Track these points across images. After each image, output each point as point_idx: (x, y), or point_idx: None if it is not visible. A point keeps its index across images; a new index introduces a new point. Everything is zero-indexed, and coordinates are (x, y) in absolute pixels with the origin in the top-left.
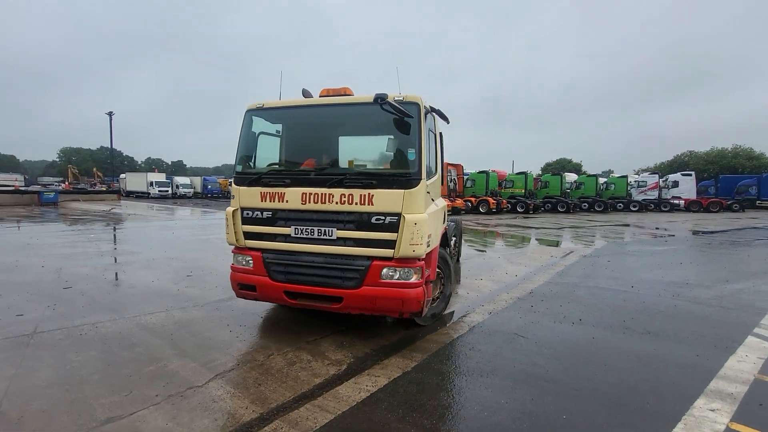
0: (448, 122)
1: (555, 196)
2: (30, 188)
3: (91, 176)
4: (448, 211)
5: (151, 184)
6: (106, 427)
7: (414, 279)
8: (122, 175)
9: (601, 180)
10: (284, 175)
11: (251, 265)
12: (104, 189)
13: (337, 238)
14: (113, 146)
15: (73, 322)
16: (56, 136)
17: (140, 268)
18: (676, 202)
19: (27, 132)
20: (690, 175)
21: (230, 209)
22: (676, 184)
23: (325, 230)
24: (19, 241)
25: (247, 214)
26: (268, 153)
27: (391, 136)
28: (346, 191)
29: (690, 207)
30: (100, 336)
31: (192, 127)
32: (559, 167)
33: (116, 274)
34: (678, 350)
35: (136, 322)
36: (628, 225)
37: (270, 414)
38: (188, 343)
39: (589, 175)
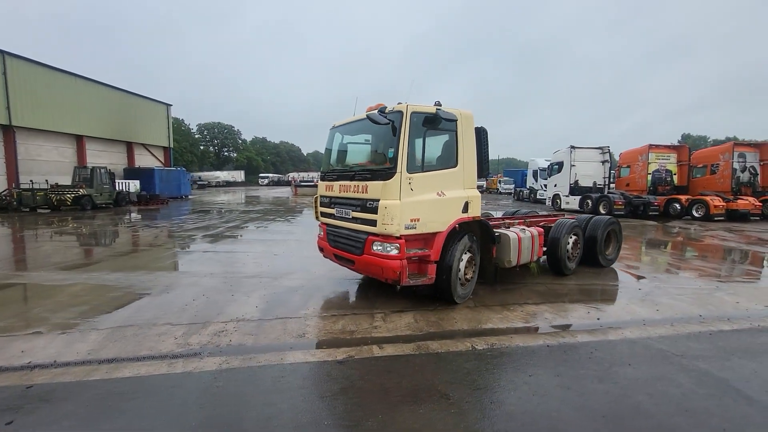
0: (454, 120)
1: None
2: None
3: None
4: (719, 214)
5: None
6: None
7: (393, 252)
8: None
9: None
10: (334, 173)
11: (322, 234)
12: None
13: (352, 217)
14: None
15: (252, 274)
16: None
17: None
18: None
19: None
20: None
21: (315, 196)
22: None
23: (346, 211)
24: (294, 219)
25: (321, 199)
26: (350, 156)
27: (385, 140)
28: (356, 183)
29: None
30: (237, 282)
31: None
32: None
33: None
34: None
35: (281, 284)
36: None
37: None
38: (249, 297)
39: None
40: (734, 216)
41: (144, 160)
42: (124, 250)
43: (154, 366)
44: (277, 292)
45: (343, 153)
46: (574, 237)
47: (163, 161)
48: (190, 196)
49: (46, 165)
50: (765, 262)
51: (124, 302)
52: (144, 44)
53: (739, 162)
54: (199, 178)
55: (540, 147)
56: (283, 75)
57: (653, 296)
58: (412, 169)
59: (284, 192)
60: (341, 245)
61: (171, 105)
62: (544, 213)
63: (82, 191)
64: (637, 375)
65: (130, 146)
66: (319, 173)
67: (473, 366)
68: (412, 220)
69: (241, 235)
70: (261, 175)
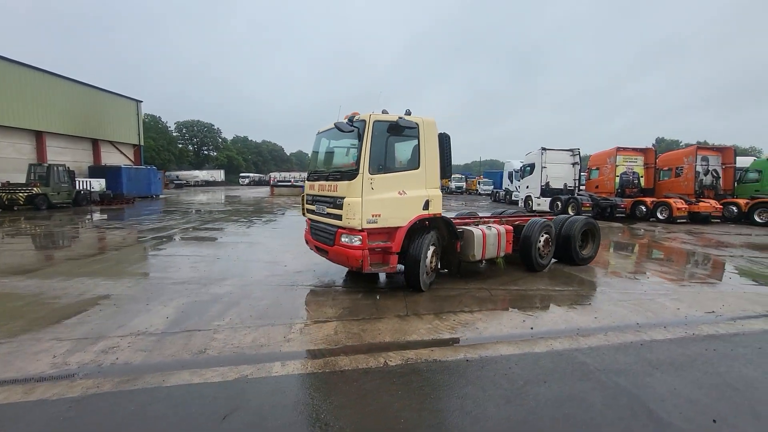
0: (415, 127)
1: None
2: (297, 183)
3: None
4: (682, 216)
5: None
6: None
7: (357, 243)
8: None
9: None
10: (315, 174)
11: (307, 228)
12: None
13: (326, 213)
14: None
15: (182, 279)
16: None
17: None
18: None
19: None
20: None
21: (302, 195)
22: None
23: (323, 208)
24: (258, 221)
25: (306, 197)
26: (337, 159)
27: (353, 144)
28: (329, 183)
29: None
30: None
31: (474, 126)
32: None
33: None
34: None
35: (207, 291)
36: None
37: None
38: (165, 307)
39: None
40: (696, 218)
41: (112, 158)
42: (54, 255)
43: (9, 392)
44: (199, 300)
45: (324, 156)
46: (545, 236)
47: (133, 159)
48: (161, 196)
49: (2, 162)
50: (725, 265)
51: (20, 314)
52: (128, 40)
53: (702, 165)
54: (177, 177)
55: (531, 148)
56: (279, 75)
57: (596, 302)
58: (374, 170)
59: (263, 192)
60: (319, 237)
61: (141, 101)
62: (527, 214)
63: (36, 190)
64: (549, 395)
65: (96, 143)
66: (307, 174)
67: (374, 386)
68: (373, 216)
69: (192, 237)
70: (242, 174)
